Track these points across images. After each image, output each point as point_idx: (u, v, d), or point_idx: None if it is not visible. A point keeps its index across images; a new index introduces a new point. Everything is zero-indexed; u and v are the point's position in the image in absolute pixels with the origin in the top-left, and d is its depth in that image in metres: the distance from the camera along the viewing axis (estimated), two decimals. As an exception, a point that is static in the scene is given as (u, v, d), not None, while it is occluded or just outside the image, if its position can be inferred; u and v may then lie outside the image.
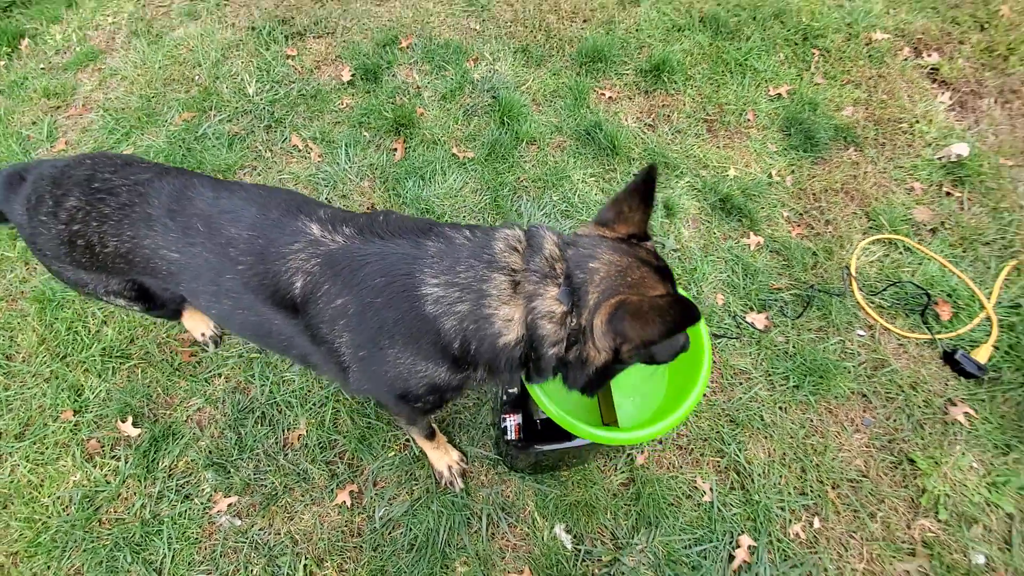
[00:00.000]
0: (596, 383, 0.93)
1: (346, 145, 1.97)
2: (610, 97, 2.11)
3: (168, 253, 1.00)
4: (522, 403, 1.33)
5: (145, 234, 1.00)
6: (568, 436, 1.23)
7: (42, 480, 1.45)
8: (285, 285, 0.95)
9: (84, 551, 1.36)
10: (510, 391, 1.34)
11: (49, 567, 1.36)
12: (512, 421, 1.32)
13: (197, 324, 1.57)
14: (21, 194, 1.08)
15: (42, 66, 2.27)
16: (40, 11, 2.43)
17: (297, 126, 2.03)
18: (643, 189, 0.89)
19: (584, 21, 2.32)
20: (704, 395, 1.54)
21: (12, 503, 1.43)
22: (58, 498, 1.43)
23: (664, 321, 0.77)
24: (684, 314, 0.76)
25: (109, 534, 1.38)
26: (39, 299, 1.68)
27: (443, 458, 1.42)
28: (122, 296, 1.17)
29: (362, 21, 2.32)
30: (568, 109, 2.05)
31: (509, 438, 1.31)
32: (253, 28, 2.29)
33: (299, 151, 1.98)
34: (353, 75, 2.16)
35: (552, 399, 1.06)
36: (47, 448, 1.49)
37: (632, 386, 1.24)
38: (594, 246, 0.88)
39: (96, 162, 1.07)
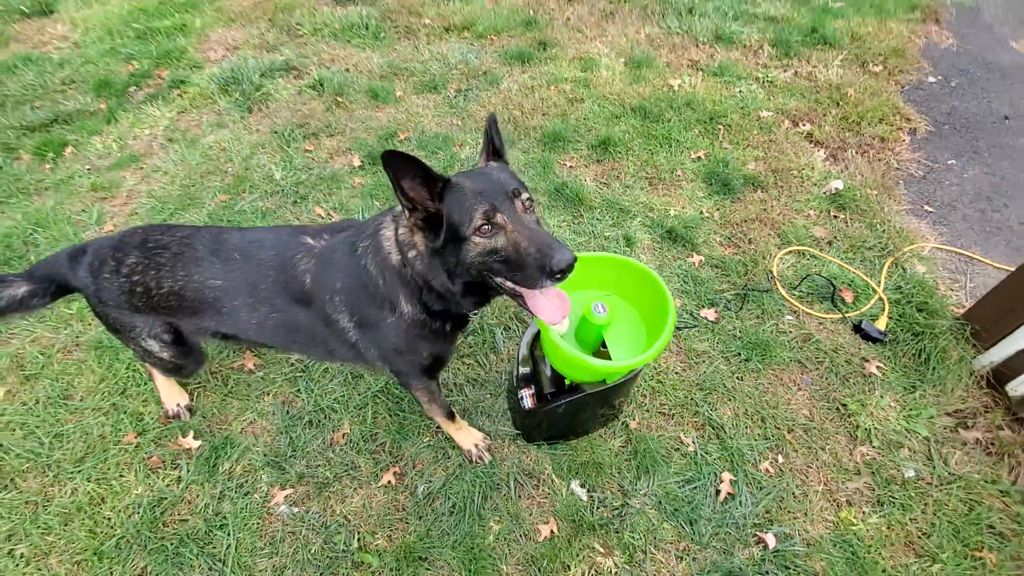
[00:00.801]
0: (454, 264, 1.12)
1: (361, 211, 2.39)
2: (570, 166, 2.67)
3: (214, 281, 1.32)
4: (534, 380, 1.65)
5: (195, 270, 1.32)
6: (573, 391, 1.54)
7: (104, 496, 1.61)
8: (300, 283, 1.30)
9: (149, 551, 1.50)
10: (523, 370, 1.66)
11: (113, 571, 1.48)
12: (527, 394, 1.63)
13: (172, 396, 1.75)
14: (83, 263, 1.38)
15: (87, 167, 2.65)
16: (80, 126, 2.86)
17: (319, 200, 2.46)
18: (487, 135, 1.26)
19: (543, 114, 2.95)
20: (676, 372, 1.90)
21: (74, 519, 1.57)
22: (122, 509, 1.58)
23: (409, 172, 1.03)
24: (443, 193, 1.07)
25: (174, 534, 1.53)
26: (96, 347, 1.92)
27: (468, 438, 1.68)
28: (160, 340, 1.44)
29: (366, 123, 2.87)
30: (539, 175, 2.58)
31: (526, 407, 1.62)
32: (275, 131, 2.79)
33: (322, 218, 2.39)
34: (362, 161, 2.65)
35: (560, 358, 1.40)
36: (109, 468, 1.66)
37: (622, 343, 1.57)
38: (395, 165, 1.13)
39: (147, 230, 1.40)
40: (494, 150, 1.25)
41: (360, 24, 3.58)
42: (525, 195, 1.13)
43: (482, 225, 1.06)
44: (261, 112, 2.94)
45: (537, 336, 1.69)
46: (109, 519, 1.56)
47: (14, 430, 1.72)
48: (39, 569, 1.48)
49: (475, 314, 1.41)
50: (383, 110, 2.97)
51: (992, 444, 1.75)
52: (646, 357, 1.35)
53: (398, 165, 1.02)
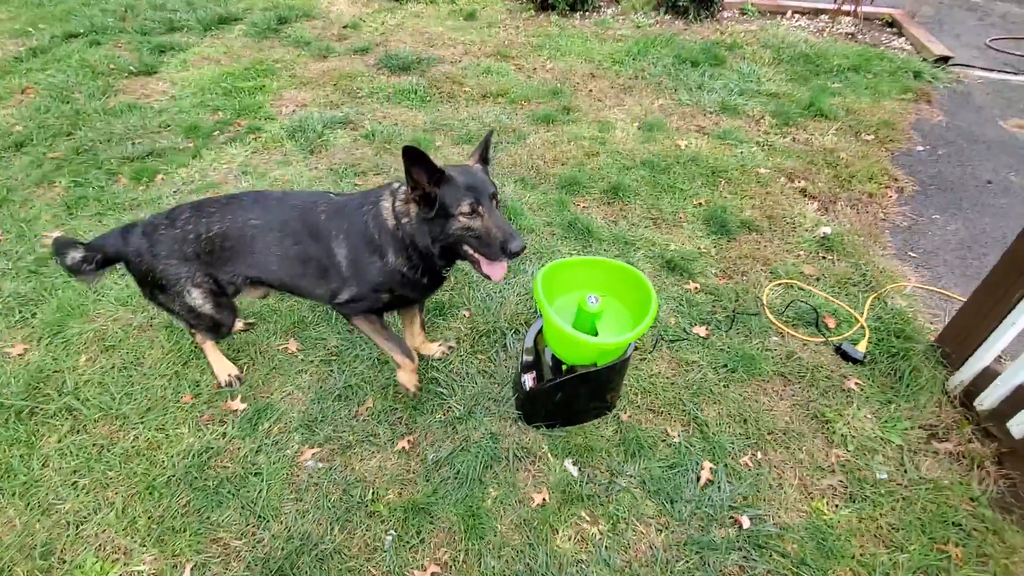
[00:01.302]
0: (435, 240, 1.53)
1: (398, 233, 2.76)
2: (583, 206, 3.01)
3: (254, 220, 1.69)
4: (536, 366, 1.89)
5: (240, 214, 1.70)
6: (569, 372, 1.77)
7: (160, 443, 1.87)
8: (317, 223, 1.66)
9: (193, 489, 1.74)
10: (527, 358, 1.91)
11: (161, 503, 1.71)
12: (529, 377, 1.87)
13: (224, 368, 2.03)
14: (135, 232, 1.71)
15: (174, 191, 3.13)
16: (171, 160, 3.38)
17: (362, 223, 2.84)
18: (484, 144, 1.64)
19: (562, 164, 3.35)
20: (667, 377, 2.10)
21: (133, 460, 1.82)
22: (174, 455, 1.83)
23: (425, 174, 1.43)
24: (438, 174, 1.43)
25: (216, 476, 1.77)
26: (166, 327, 2.25)
27: (411, 379, 1.94)
28: (201, 288, 1.72)
29: (407, 165, 3.32)
30: (555, 212, 2.93)
31: (527, 388, 1.85)
32: (331, 169, 3.26)
33: (364, 237, 2.75)
34: (402, 194, 3.05)
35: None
36: (167, 422, 1.93)
37: (613, 332, 1.79)
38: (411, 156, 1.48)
39: (198, 201, 1.78)
40: (483, 157, 1.63)
41: (410, 90, 4.15)
42: (498, 196, 1.55)
43: (468, 211, 1.47)
44: (321, 154, 3.43)
45: (541, 331, 1.95)
46: (163, 461, 1.81)
47: (91, 388, 2.03)
48: (96, 499, 1.72)
49: (448, 270, 1.75)
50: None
51: (963, 456, 1.86)
52: (629, 336, 1.60)
53: (413, 156, 1.40)
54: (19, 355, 2.15)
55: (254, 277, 1.76)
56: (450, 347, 2.20)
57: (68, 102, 3.93)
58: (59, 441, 1.86)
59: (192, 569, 1.57)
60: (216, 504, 1.70)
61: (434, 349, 2.17)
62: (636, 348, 2.17)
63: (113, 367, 2.11)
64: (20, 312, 2.32)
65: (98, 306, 2.36)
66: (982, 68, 4.79)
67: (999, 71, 4.76)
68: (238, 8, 5.66)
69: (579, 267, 1.86)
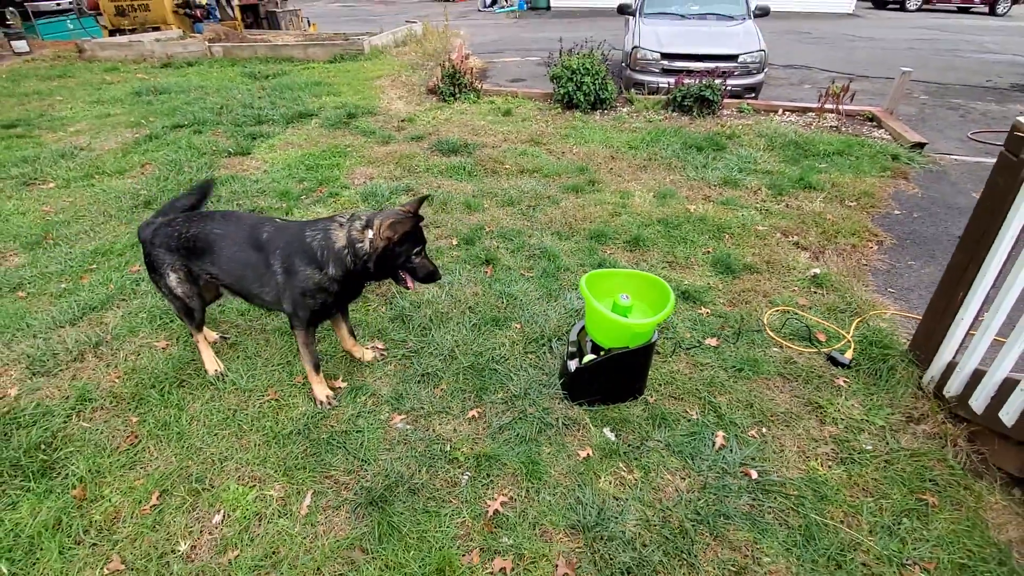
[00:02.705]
0: (383, 265, 2.06)
1: (459, 270, 3.35)
2: (609, 252, 3.60)
3: (216, 229, 2.21)
4: (579, 355, 2.37)
5: (209, 224, 2.22)
6: (604, 353, 2.24)
7: (281, 408, 2.35)
8: (260, 237, 2.16)
9: (309, 440, 2.19)
10: (571, 350, 2.40)
11: (285, 448, 2.16)
12: (573, 363, 2.35)
13: (211, 362, 2.48)
14: (150, 227, 2.27)
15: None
16: (270, 215, 4.11)
17: (428, 261, 3.46)
18: (417, 203, 2.12)
19: (590, 222, 3.99)
20: (684, 374, 2.55)
21: (261, 419, 2.29)
22: (293, 417, 2.30)
23: (405, 229, 2.00)
24: (412, 230, 2.01)
25: (326, 432, 2.23)
26: (280, 331, 2.80)
27: (322, 390, 2.35)
28: (177, 273, 2.24)
29: (461, 221, 4.00)
30: (586, 255, 3.52)
31: (571, 370, 2.32)
32: (399, 222, 3.95)
33: (429, 272, 3.35)
34: (458, 242, 3.70)
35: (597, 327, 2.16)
36: (285, 393, 2.42)
37: (638, 316, 2.28)
38: (388, 213, 2.03)
39: (191, 213, 2.38)
40: (416, 213, 2.15)
41: (459, 167, 4.97)
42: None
43: (414, 256, 2.11)
44: (389, 212, 4.14)
45: (582, 329, 2.46)
46: (284, 420, 2.28)
47: (228, 372, 2.55)
48: (234, 445, 2.18)
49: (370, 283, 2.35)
50: (474, 215, 4.11)
51: (938, 435, 2.24)
52: (655, 319, 2.11)
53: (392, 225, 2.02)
54: (163, 348, 2.71)
55: (213, 273, 2.24)
56: (382, 352, 2.67)
57: (182, 173, 4.80)
58: (202, 405, 2.35)
59: (312, 495, 1.99)
60: (328, 451, 2.15)
61: (368, 354, 2.63)
62: (658, 352, 2.65)
63: (238, 357, 2.64)
64: (161, 319, 2.91)
65: (222, 316, 2.94)
66: (960, 155, 5.49)
67: (977, 158, 5.43)
68: (313, 106, 6.78)
69: (612, 277, 2.40)
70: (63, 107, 7.01)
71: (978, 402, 2.14)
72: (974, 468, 2.10)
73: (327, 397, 2.37)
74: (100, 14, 13.13)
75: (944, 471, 2.08)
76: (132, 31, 12.06)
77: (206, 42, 10.45)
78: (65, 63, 9.78)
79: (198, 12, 12.36)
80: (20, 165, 4.99)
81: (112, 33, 12.40)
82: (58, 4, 14.65)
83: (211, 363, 2.52)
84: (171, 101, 7.11)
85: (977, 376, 2.17)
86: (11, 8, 13.89)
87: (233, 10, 12.84)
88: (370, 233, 2.04)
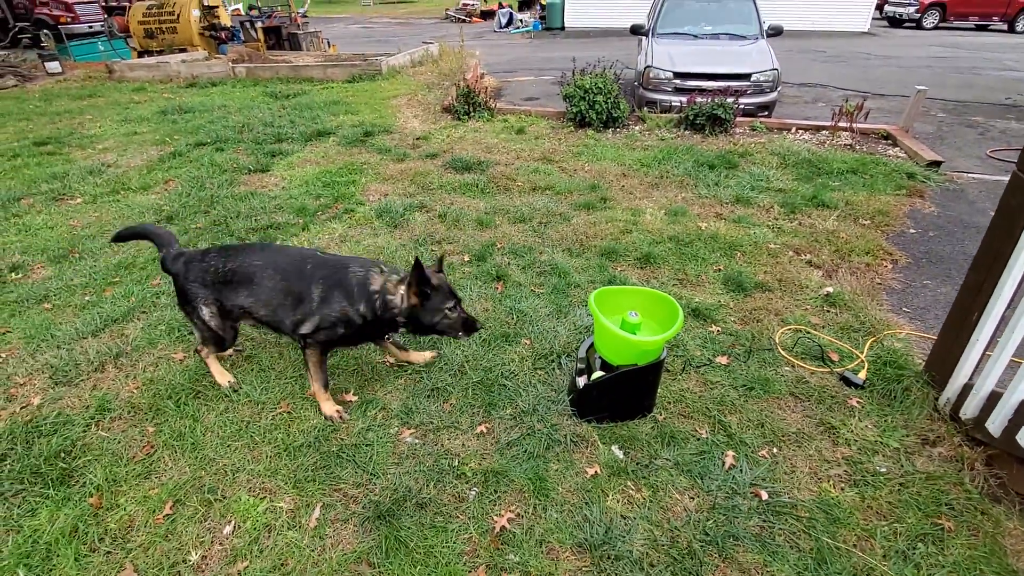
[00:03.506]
0: (419, 323, 2.19)
1: (470, 286, 3.39)
2: (620, 270, 3.61)
3: (255, 261, 2.28)
4: (587, 372, 2.38)
5: (247, 257, 2.29)
6: (613, 369, 2.25)
7: (292, 421, 2.38)
8: (303, 268, 2.24)
9: (319, 452, 2.22)
10: (580, 366, 2.41)
11: (296, 460, 2.19)
12: (582, 380, 2.36)
13: (223, 376, 2.52)
14: (180, 260, 2.31)
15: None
16: (285, 230, 4.20)
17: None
18: (439, 262, 2.30)
19: (601, 239, 4.01)
20: (694, 392, 2.54)
21: (273, 431, 2.33)
22: (304, 429, 2.33)
23: (425, 290, 2.10)
24: (433, 292, 2.12)
25: (336, 445, 2.25)
26: (291, 344, 2.86)
27: (331, 407, 2.38)
28: (211, 308, 2.30)
29: (474, 237, 4.05)
30: (596, 273, 3.54)
31: (580, 386, 2.33)
32: (412, 239, 4.01)
33: (441, 287, 3.39)
34: (470, 258, 3.74)
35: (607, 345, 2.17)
36: (297, 406, 2.45)
37: (647, 333, 2.29)
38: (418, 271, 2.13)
39: (225, 246, 2.45)
40: (439, 269, 2.30)
41: (473, 184, 5.05)
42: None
43: (450, 309, 2.20)
44: (403, 229, 4.21)
45: (591, 345, 2.47)
46: (295, 432, 2.31)
47: (242, 384, 2.59)
48: (246, 456, 2.21)
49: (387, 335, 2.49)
50: (486, 232, 4.16)
51: (954, 458, 2.19)
52: (663, 336, 2.11)
53: (419, 274, 2.09)
54: (180, 360, 2.77)
55: (246, 306, 2.28)
56: (438, 353, 2.76)
57: (204, 189, 4.94)
58: (216, 417, 2.40)
59: (321, 507, 2.01)
60: (337, 463, 2.17)
61: (427, 355, 2.73)
62: (668, 370, 2.65)
63: (252, 370, 2.69)
64: (179, 332, 2.98)
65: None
66: (979, 173, 5.42)
67: (996, 176, 5.35)
68: (331, 125, 6.95)
69: (621, 294, 2.42)
70: (92, 125, 7.28)
71: (995, 425, 2.10)
72: (992, 493, 2.05)
73: (337, 412, 2.40)
74: (130, 36, 13.66)
75: (961, 495, 2.03)
76: (160, 52, 12.51)
77: (230, 63, 10.80)
78: (95, 83, 10.17)
79: (223, 34, 12.79)
80: (50, 181, 5.18)
81: (141, 54, 12.89)
82: (90, 27, 15.29)
83: (222, 376, 2.57)
84: (195, 120, 7.34)
85: (994, 398, 2.13)
86: (46, 31, 14.52)
87: (256, 32, 13.26)
88: (402, 289, 2.18)
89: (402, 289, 2.18)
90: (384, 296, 2.18)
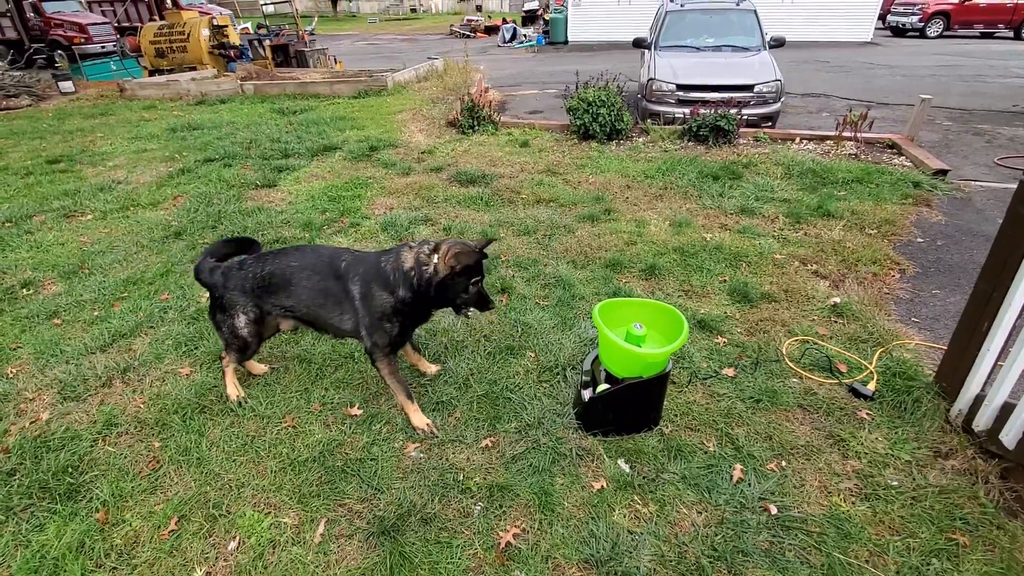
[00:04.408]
0: (443, 292, 2.14)
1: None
2: (625, 281, 3.61)
3: (292, 263, 2.30)
4: (592, 384, 2.37)
5: (284, 259, 2.32)
6: (617, 383, 2.23)
7: (297, 436, 2.38)
8: (338, 266, 2.25)
9: (324, 467, 2.21)
10: (585, 379, 2.40)
11: (301, 476, 2.18)
12: (587, 393, 2.35)
13: (233, 388, 2.54)
14: (217, 272, 2.36)
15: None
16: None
17: (444, 290, 3.51)
18: (485, 242, 2.26)
19: (605, 250, 4.01)
20: (701, 404, 2.52)
21: (277, 446, 2.33)
22: (308, 444, 2.33)
23: (470, 261, 2.07)
24: (474, 264, 2.08)
25: (341, 460, 2.25)
26: (299, 359, 2.86)
27: (420, 419, 2.37)
28: (247, 315, 2.33)
29: (478, 250, 4.06)
30: (601, 284, 3.53)
31: (585, 399, 2.32)
32: (417, 252, 4.03)
33: (446, 300, 3.40)
34: (475, 271, 3.74)
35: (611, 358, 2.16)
36: (302, 420, 2.45)
37: (652, 345, 2.28)
38: (456, 242, 2.16)
39: (260, 253, 2.47)
40: (483, 252, 2.25)
41: (477, 197, 5.08)
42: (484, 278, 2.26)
43: (471, 286, 2.18)
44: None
45: (596, 358, 2.46)
46: (300, 447, 2.31)
47: (249, 399, 2.60)
48: (251, 471, 2.21)
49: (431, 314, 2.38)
50: (491, 244, 4.17)
51: (968, 471, 2.16)
52: (668, 348, 2.10)
53: (457, 254, 2.10)
54: (187, 375, 2.78)
55: (288, 306, 2.33)
56: (443, 367, 2.75)
57: (211, 205, 5.00)
58: (222, 432, 2.40)
59: (325, 523, 2.00)
60: (342, 478, 2.17)
61: (432, 368, 2.73)
62: (673, 382, 2.63)
63: (258, 384, 2.70)
64: (186, 346, 3.00)
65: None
66: (987, 181, 5.38)
67: (1004, 184, 5.30)
68: (338, 140, 7.03)
69: (626, 306, 2.41)
70: (103, 143, 7.40)
71: (1009, 437, 2.06)
72: (1007, 506, 2.01)
73: (428, 425, 2.37)
74: (141, 56, 13.93)
75: (975, 509, 1.99)
76: (170, 71, 12.75)
77: (238, 80, 10.98)
78: (107, 102, 10.36)
79: (232, 52, 13.02)
80: (62, 198, 5.27)
81: (152, 73, 13.13)
82: (103, 47, 15.61)
83: (234, 388, 2.58)
84: (204, 137, 7.45)
85: (1007, 409, 2.10)
86: (60, 52, 14.84)
87: (265, 50, 13.50)
88: (435, 258, 2.14)
89: (435, 259, 2.13)
90: (419, 268, 2.14)
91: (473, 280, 2.16)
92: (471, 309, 2.27)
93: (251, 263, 2.38)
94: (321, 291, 2.28)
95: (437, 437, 2.34)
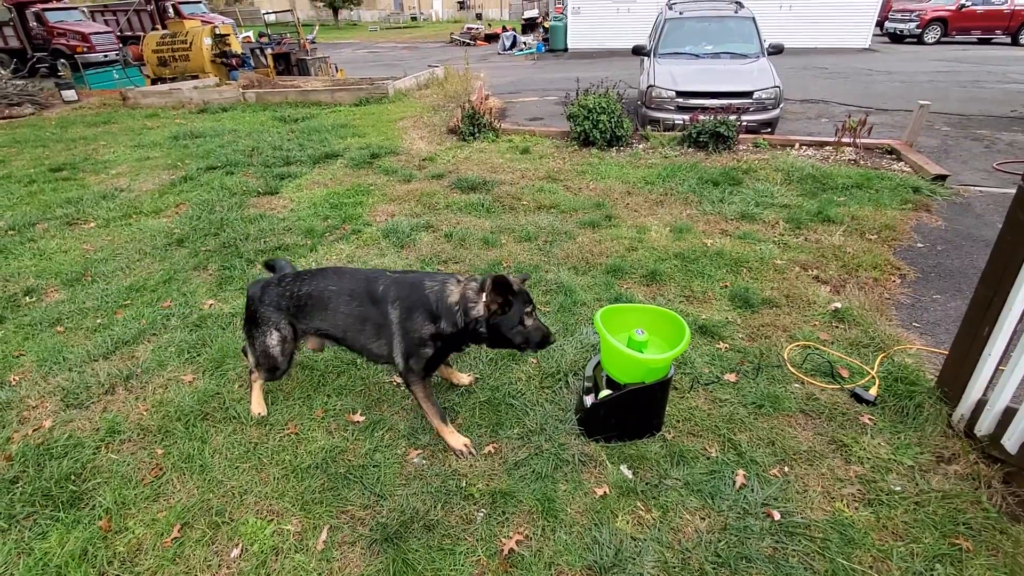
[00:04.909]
0: (496, 330, 2.10)
1: (475, 304, 3.40)
2: (626, 287, 3.61)
3: (330, 287, 2.28)
4: (595, 390, 2.37)
5: (322, 282, 2.30)
6: (619, 388, 2.24)
7: (300, 442, 2.38)
8: (376, 291, 2.21)
9: (327, 474, 2.21)
10: (587, 385, 2.40)
11: (303, 482, 2.18)
12: (589, 399, 2.35)
13: (258, 405, 2.50)
14: (258, 285, 2.36)
15: (296, 275, 3.94)
16: (293, 252, 4.25)
17: (446, 296, 3.52)
18: (521, 279, 2.21)
19: (606, 257, 4.03)
20: (703, 410, 2.52)
21: (280, 453, 2.33)
22: (311, 450, 2.33)
23: (507, 297, 2.04)
24: (514, 299, 2.05)
25: (344, 465, 2.25)
26: (301, 364, 2.87)
27: (457, 440, 2.32)
28: (281, 333, 2.29)
29: (480, 256, 4.07)
30: (602, 290, 3.54)
31: (587, 405, 2.32)
32: (419, 258, 4.04)
33: (448, 306, 3.40)
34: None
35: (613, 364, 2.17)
36: (304, 427, 2.46)
37: (653, 351, 2.28)
38: (495, 276, 2.09)
39: (300, 271, 2.44)
40: (523, 280, 2.23)
41: (478, 204, 5.09)
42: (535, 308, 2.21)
43: (525, 317, 2.13)
44: (409, 249, 4.25)
45: (598, 364, 2.46)
46: (303, 454, 2.31)
47: (244, 405, 2.60)
48: (254, 478, 2.21)
49: (466, 346, 2.30)
50: (492, 251, 4.19)
51: (971, 476, 2.15)
52: (670, 354, 2.11)
53: (502, 285, 2.04)
54: (189, 382, 2.79)
55: (323, 329, 2.30)
56: (477, 378, 2.73)
57: (214, 212, 5.02)
58: (224, 439, 2.40)
59: (328, 530, 2.00)
60: (345, 485, 2.17)
61: (464, 378, 2.71)
62: (675, 388, 2.63)
63: (265, 393, 2.70)
64: (188, 353, 3.01)
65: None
66: (987, 186, 5.39)
67: (1003, 189, 5.31)
68: (339, 147, 7.07)
69: (627, 312, 2.42)
70: (106, 151, 7.44)
71: (1011, 441, 2.06)
72: (1010, 511, 2.01)
73: (465, 445, 2.31)
74: (144, 64, 14.04)
75: (978, 514, 1.99)
76: (173, 80, 12.83)
77: (240, 88, 11.05)
78: (110, 110, 10.43)
79: (234, 61, 13.11)
80: (64, 206, 5.29)
81: (154, 82, 13.22)
82: (105, 56, 15.72)
83: (259, 405, 2.54)
84: (206, 144, 7.49)
85: (1009, 414, 2.10)
86: (63, 60, 14.94)
87: (266, 59, 13.58)
88: (484, 296, 2.08)
89: (483, 297, 2.08)
90: (465, 306, 2.10)
91: (526, 310, 2.12)
92: (534, 345, 2.18)
93: (289, 281, 2.33)
94: (359, 316, 2.23)
95: (475, 456, 2.30)
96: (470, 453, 2.30)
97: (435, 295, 2.14)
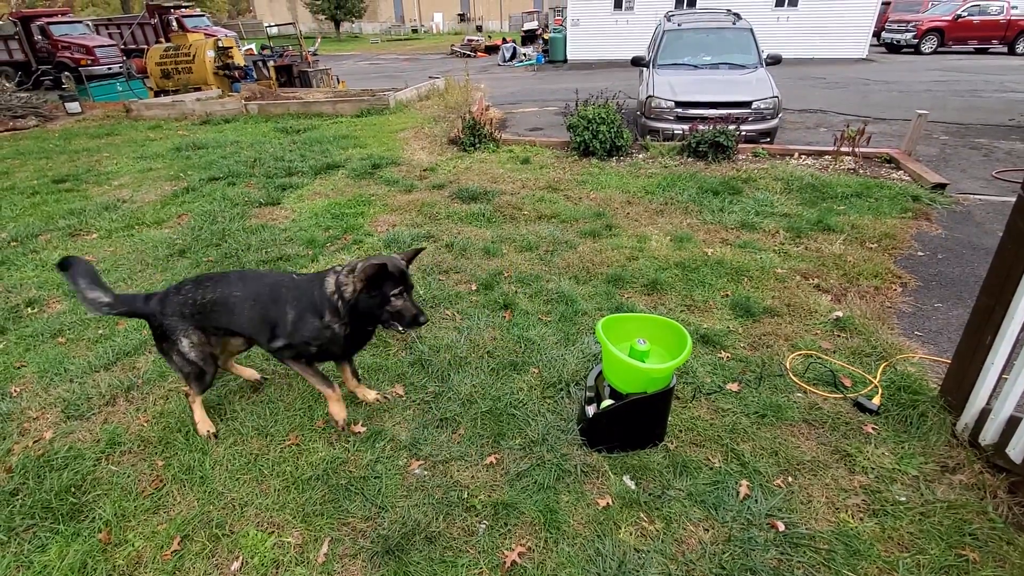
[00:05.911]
0: (362, 310, 2.12)
1: (477, 315, 3.40)
2: (627, 296, 3.62)
3: (235, 292, 2.28)
4: (596, 400, 2.37)
5: (227, 288, 2.29)
6: (621, 398, 2.23)
7: (301, 453, 2.37)
8: (280, 295, 2.24)
9: (328, 485, 2.20)
10: (589, 395, 2.39)
11: (304, 494, 2.17)
12: (591, 409, 2.34)
13: (204, 424, 2.44)
14: (154, 299, 2.29)
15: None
16: (295, 263, 4.26)
17: (449, 306, 3.52)
18: (413, 253, 2.28)
19: (607, 266, 4.03)
20: (706, 420, 2.51)
21: (281, 464, 2.32)
22: (312, 461, 2.32)
23: (374, 272, 2.04)
24: (389, 275, 2.05)
25: (344, 478, 2.24)
26: (298, 375, 2.86)
27: (338, 409, 2.40)
28: (190, 338, 2.27)
29: (480, 267, 4.08)
30: (603, 299, 3.54)
31: (589, 415, 2.31)
32: (420, 268, 4.05)
33: (450, 318, 3.41)
34: (477, 287, 3.76)
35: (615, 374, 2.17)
36: (305, 438, 2.45)
37: (655, 360, 2.28)
38: (371, 257, 2.16)
39: (197, 277, 2.42)
40: (409, 261, 2.26)
41: (479, 214, 5.11)
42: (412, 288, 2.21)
43: (395, 296, 2.11)
44: (410, 258, 4.25)
45: (599, 374, 2.46)
46: (304, 465, 2.30)
47: (246, 416, 2.60)
48: (255, 490, 2.20)
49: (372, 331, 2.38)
50: (493, 260, 4.20)
51: (976, 486, 2.14)
52: (672, 364, 2.11)
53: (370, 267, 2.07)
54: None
55: (229, 328, 2.32)
56: (386, 396, 2.69)
57: (215, 223, 5.04)
58: (225, 450, 2.39)
59: (329, 542, 1.99)
60: (346, 497, 2.15)
61: (371, 395, 2.66)
62: (678, 397, 2.63)
63: (262, 402, 2.70)
64: (190, 364, 3.00)
65: (248, 362, 3.02)
66: (986, 195, 5.41)
67: (1003, 197, 5.32)
68: (340, 158, 7.11)
69: (629, 321, 2.42)
70: (109, 163, 7.49)
71: (1016, 451, 2.05)
72: (1017, 521, 1.99)
73: (343, 418, 2.44)
74: (147, 77, 14.17)
75: (984, 524, 1.97)
76: (176, 92, 12.94)
77: (243, 100, 11.14)
78: (113, 122, 10.51)
79: (237, 73, 13.23)
80: (67, 217, 5.32)
81: (157, 94, 13.34)
82: (109, 69, 15.88)
83: (204, 423, 2.49)
84: (208, 155, 7.54)
85: (1013, 423, 2.09)
86: (66, 73, 15.08)
87: (269, 71, 13.71)
88: (351, 277, 2.13)
89: (351, 277, 2.13)
90: (340, 291, 2.15)
91: (394, 291, 2.10)
92: (404, 325, 2.17)
93: (189, 288, 2.31)
94: (262, 319, 2.27)
95: (345, 432, 2.39)
96: (342, 427, 2.44)
97: (318, 293, 2.19)
